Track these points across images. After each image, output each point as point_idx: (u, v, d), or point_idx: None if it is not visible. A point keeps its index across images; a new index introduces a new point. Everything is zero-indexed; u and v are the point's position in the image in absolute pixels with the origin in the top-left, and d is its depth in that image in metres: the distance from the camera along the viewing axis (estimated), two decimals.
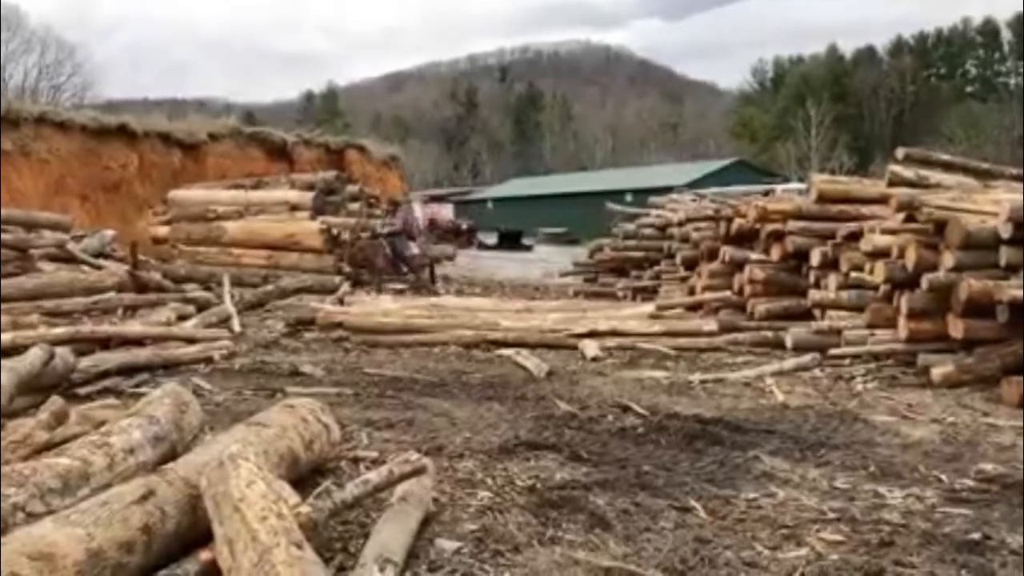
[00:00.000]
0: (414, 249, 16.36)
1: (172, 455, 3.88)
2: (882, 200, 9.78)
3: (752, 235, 11.41)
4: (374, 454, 4.97)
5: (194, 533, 3.18)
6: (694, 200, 16.29)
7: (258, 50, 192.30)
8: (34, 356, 5.78)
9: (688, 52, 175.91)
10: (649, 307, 11.45)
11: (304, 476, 4.22)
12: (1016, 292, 7.20)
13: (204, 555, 3.04)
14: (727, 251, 11.71)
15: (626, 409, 6.41)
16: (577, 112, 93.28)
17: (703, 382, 7.71)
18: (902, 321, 8.25)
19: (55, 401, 4.59)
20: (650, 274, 14.86)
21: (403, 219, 16.89)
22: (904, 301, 8.22)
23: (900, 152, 10.04)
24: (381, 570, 3.00)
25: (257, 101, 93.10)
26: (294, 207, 18.30)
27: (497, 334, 9.77)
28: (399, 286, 15.30)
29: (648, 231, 15.78)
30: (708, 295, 11.62)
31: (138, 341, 8.49)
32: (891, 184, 9.58)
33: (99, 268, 11.72)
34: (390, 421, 5.89)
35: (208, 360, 8.23)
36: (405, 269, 16.03)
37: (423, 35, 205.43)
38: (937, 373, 7.63)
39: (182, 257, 17.75)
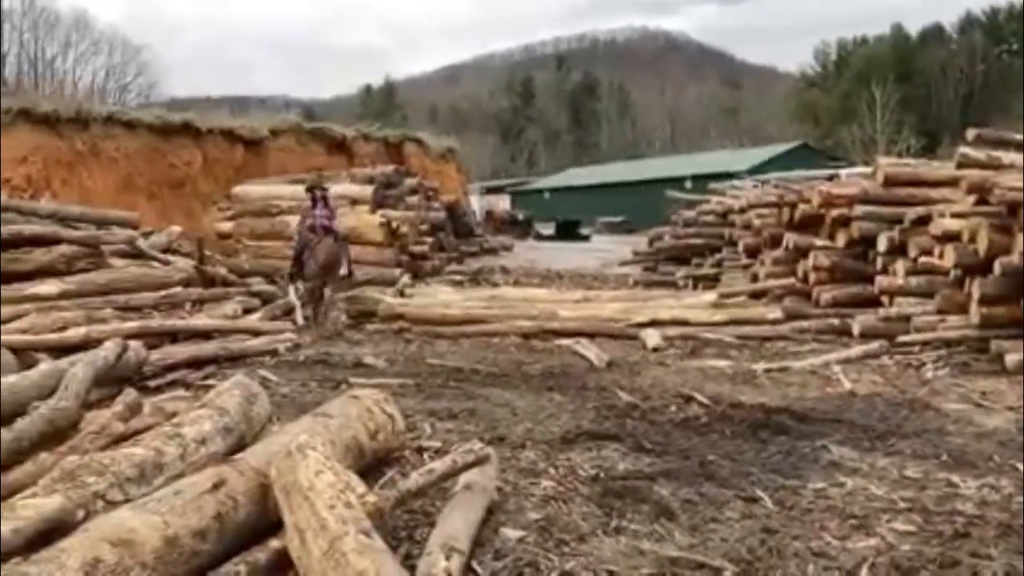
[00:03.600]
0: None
1: (241, 445, 3.96)
2: (951, 183, 9.53)
3: (816, 221, 11.21)
4: (437, 444, 5.02)
5: (264, 522, 3.25)
6: (755, 186, 16.08)
7: (317, 46, 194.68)
8: (109, 350, 5.95)
9: (746, 36, 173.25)
10: (711, 295, 11.34)
11: (369, 465, 4.28)
12: None
13: (274, 543, 3.11)
14: (791, 237, 11.52)
15: (689, 399, 6.36)
16: (635, 99, 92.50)
17: (767, 371, 7.61)
18: (974, 307, 8.04)
19: (129, 393, 4.73)
20: (711, 262, 14.71)
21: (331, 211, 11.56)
22: (976, 286, 8.01)
23: (970, 133, 9.74)
24: (447, 558, 3.03)
25: (317, 97, 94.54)
26: (354, 201, 18.48)
27: (556, 324, 9.77)
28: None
29: (708, 218, 15.62)
30: (772, 282, 11.46)
31: (205, 334, 8.69)
32: (961, 166, 9.32)
33: (167, 264, 11.99)
34: (452, 411, 5.94)
35: (273, 352, 8.39)
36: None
37: (479, 26, 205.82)
38: (1012, 360, 7.41)
39: (246, 252, 18.05)
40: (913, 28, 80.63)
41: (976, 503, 4.12)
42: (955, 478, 4.50)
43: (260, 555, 3.06)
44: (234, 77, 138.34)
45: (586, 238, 37.32)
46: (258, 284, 12.73)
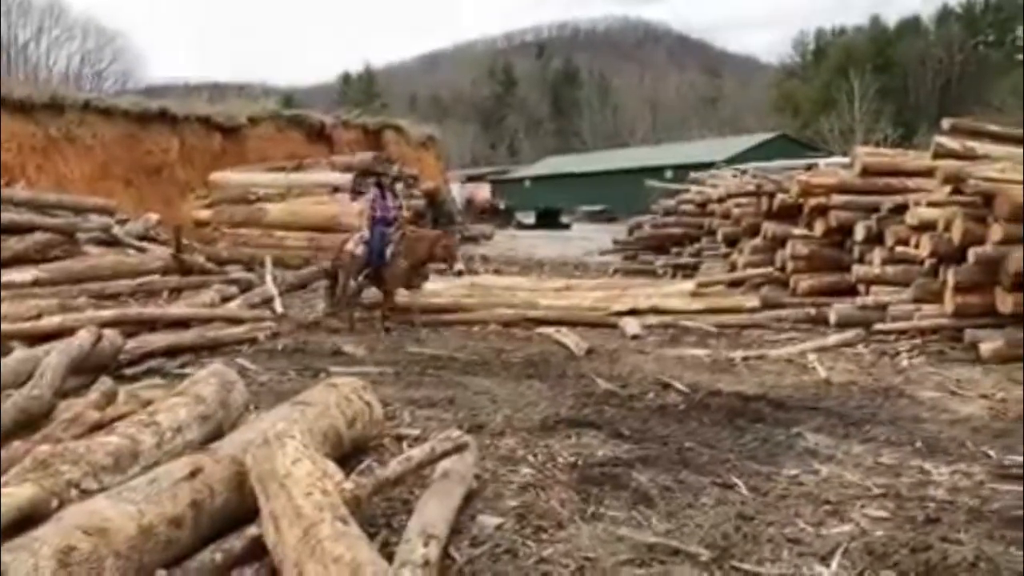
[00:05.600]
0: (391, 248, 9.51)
1: (218, 434, 3.95)
2: (928, 173, 9.59)
3: (794, 210, 11.26)
4: (416, 432, 5.03)
5: (241, 510, 3.24)
6: (735, 176, 16.09)
7: (296, 33, 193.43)
8: (83, 338, 5.91)
9: (727, 25, 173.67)
10: (690, 284, 11.38)
11: (348, 453, 4.27)
12: None
13: (251, 531, 3.10)
14: (769, 227, 11.57)
15: (667, 387, 6.40)
16: (616, 88, 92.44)
17: (745, 359, 7.66)
18: (949, 295, 8.11)
19: (104, 382, 4.70)
20: (690, 251, 14.75)
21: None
22: (951, 275, 8.08)
23: (946, 123, 9.81)
24: (425, 545, 3.03)
25: (296, 84, 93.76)
26: (334, 188, 18.41)
27: (537, 313, 9.78)
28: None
29: (688, 208, 15.64)
30: (750, 271, 11.50)
31: (183, 323, 8.63)
32: (937, 156, 9.39)
33: (143, 251, 11.91)
34: (432, 399, 5.94)
35: (252, 341, 8.35)
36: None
37: (460, 14, 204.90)
38: (986, 348, 7.50)
39: (224, 239, 17.96)
40: (891, 19, 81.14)
41: (948, 489, 4.18)
42: (928, 465, 4.56)
43: (236, 543, 3.06)
44: (212, 64, 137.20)
45: (566, 227, 37.36)
46: (236, 272, 12.64)
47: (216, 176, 20.47)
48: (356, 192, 18.16)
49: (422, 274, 9.69)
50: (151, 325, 8.33)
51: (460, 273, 9.80)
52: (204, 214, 19.71)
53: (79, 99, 20.85)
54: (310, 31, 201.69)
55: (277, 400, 4.98)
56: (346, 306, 9.77)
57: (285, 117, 25.11)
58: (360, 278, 9.74)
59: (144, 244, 12.46)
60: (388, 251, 9.46)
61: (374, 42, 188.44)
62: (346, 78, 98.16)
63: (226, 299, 10.52)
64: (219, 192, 20.01)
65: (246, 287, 11.44)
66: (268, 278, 12.04)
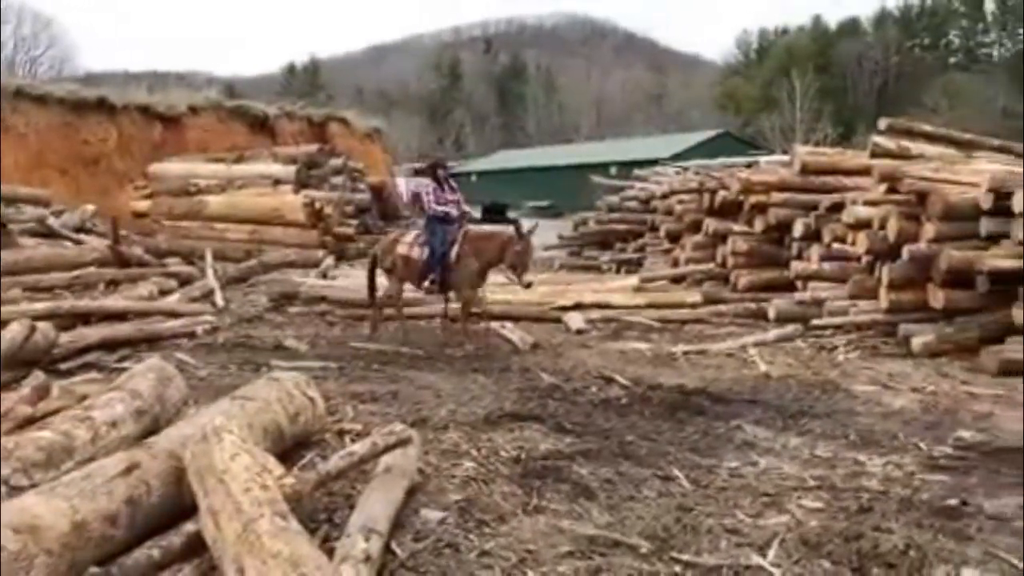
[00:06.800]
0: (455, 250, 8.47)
1: (155, 429, 3.88)
2: (865, 171, 9.80)
3: (735, 207, 11.42)
4: (359, 426, 4.99)
5: (179, 506, 3.19)
6: (678, 173, 16.28)
7: (240, 22, 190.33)
8: (15, 331, 5.75)
9: (672, 23, 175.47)
10: (633, 280, 11.50)
11: (289, 449, 4.23)
12: (996, 262, 7.26)
13: (189, 527, 3.05)
14: (710, 223, 11.73)
15: (610, 380, 6.46)
16: (562, 84, 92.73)
17: (686, 353, 7.76)
18: (883, 292, 8.31)
19: (37, 376, 4.58)
20: (634, 247, 14.89)
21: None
22: (885, 272, 8.27)
23: (882, 123, 10.05)
24: (366, 540, 3.02)
25: (239, 74, 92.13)
26: (277, 181, 18.18)
27: (481, 307, 9.75)
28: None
29: (632, 204, 15.78)
30: (692, 267, 11.66)
31: (120, 316, 8.45)
32: (873, 155, 9.61)
33: (80, 243, 11.64)
34: (375, 394, 5.91)
35: (191, 335, 8.21)
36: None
37: (406, 6, 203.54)
38: (917, 343, 7.70)
39: (164, 231, 17.62)
40: (832, 20, 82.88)
41: (880, 480, 4.30)
42: (862, 456, 4.68)
43: (174, 539, 3.01)
44: (154, 52, 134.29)
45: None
46: (176, 265, 12.41)
47: (155, 167, 20.06)
48: (301, 184, 17.98)
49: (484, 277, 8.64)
50: (86, 318, 8.14)
51: (529, 285, 8.38)
52: (143, 205, 19.32)
53: (12, 86, 20.24)
54: (255, 20, 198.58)
55: (217, 395, 4.91)
56: (398, 312, 9.00)
57: (227, 108, 24.65)
58: (427, 283, 8.63)
59: (80, 236, 12.18)
60: (453, 251, 8.41)
61: (320, 33, 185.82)
62: (291, 69, 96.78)
63: (165, 292, 10.33)
64: (158, 183, 19.63)
65: (186, 280, 11.25)
66: (208, 271, 11.85)
